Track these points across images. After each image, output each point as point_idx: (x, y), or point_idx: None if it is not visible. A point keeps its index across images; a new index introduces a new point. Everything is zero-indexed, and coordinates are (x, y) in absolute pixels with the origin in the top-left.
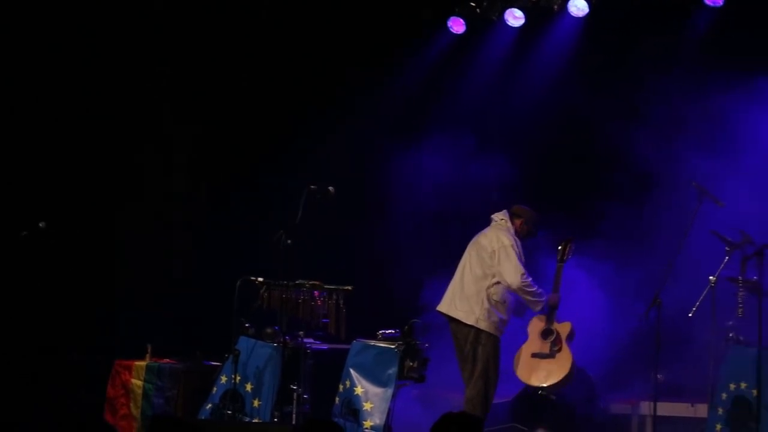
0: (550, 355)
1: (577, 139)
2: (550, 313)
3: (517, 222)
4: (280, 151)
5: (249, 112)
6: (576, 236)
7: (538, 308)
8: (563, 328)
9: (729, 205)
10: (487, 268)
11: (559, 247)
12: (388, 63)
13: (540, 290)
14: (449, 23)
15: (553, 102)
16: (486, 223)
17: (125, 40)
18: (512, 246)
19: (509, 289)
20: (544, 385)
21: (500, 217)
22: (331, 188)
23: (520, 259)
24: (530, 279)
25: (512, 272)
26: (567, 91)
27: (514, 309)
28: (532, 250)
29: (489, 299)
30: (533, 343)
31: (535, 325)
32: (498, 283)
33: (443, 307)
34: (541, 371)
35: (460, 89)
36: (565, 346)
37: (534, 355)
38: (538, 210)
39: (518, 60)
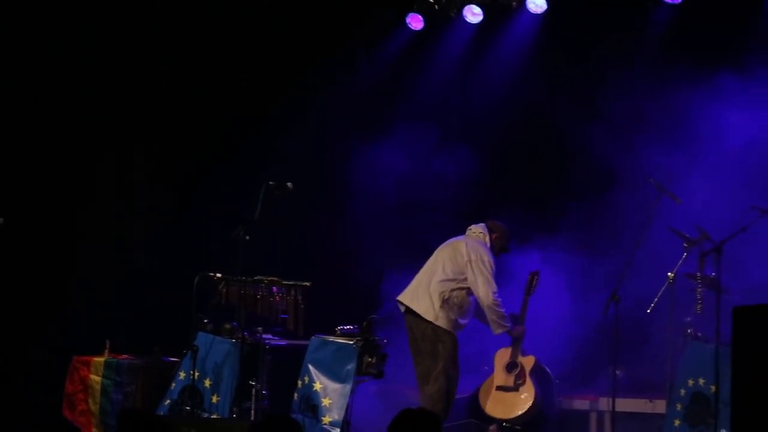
0: (514, 389)
1: (538, 136)
2: (515, 345)
3: (493, 237)
4: (240, 146)
5: (209, 108)
6: (542, 233)
7: (498, 332)
8: (527, 362)
9: (688, 202)
10: (459, 273)
11: (527, 280)
12: (347, 60)
13: (506, 315)
14: (407, 20)
15: (513, 98)
16: (448, 218)
17: (81, 36)
18: (490, 262)
19: (479, 302)
20: (509, 417)
21: (479, 231)
22: (289, 184)
23: (493, 276)
24: (500, 300)
25: (485, 288)
26: (527, 87)
27: (473, 315)
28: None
29: (449, 300)
30: (498, 375)
31: (501, 357)
32: (462, 289)
33: (405, 298)
34: (506, 404)
35: (419, 85)
36: (528, 379)
37: (498, 388)
38: (501, 206)
39: (477, 57)
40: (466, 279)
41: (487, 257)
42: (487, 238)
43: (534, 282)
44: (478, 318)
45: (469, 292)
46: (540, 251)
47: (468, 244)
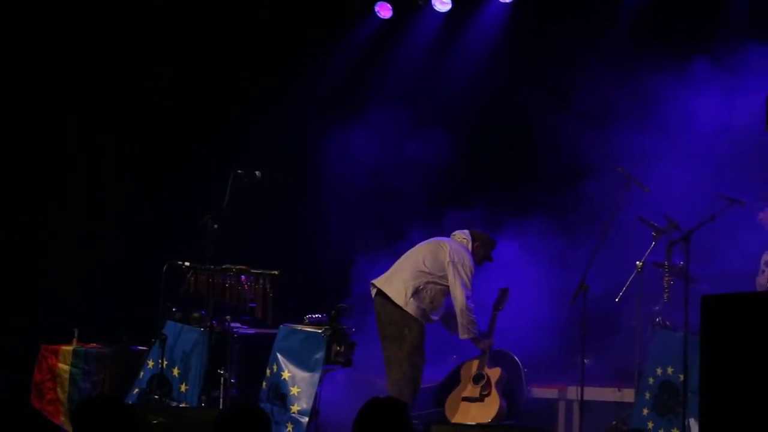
0: (480, 399)
1: (509, 123)
2: (482, 357)
3: (475, 245)
4: (210, 135)
5: (178, 97)
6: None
7: (464, 337)
8: (494, 374)
9: (657, 191)
10: (438, 270)
11: (497, 296)
12: (317, 49)
13: (476, 322)
14: (376, 8)
15: (483, 86)
16: (420, 204)
17: (46, 30)
18: (471, 268)
19: (453, 304)
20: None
21: (463, 236)
22: (258, 173)
23: (471, 282)
24: (473, 306)
25: (462, 291)
26: (498, 76)
27: (441, 316)
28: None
29: (422, 292)
30: (465, 387)
31: (467, 370)
32: (437, 285)
33: (378, 281)
34: (471, 414)
35: (389, 74)
36: (494, 390)
37: (465, 399)
38: (473, 193)
39: (447, 45)
40: (442, 277)
41: (468, 262)
42: (470, 245)
43: (504, 298)
44: (444, 323)
45: (443, 290)
46: (514, 238)
47: (452, 246)
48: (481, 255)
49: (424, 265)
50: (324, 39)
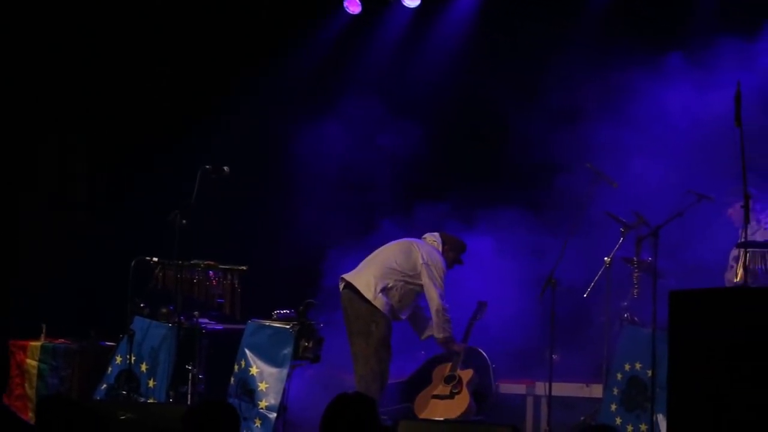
0: (450, 397)
1: (479, 118)
2: (455, 360)
3: (445, 248)
4: (179, 130)
5: (149, 92)
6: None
7: (439, 335)
8: (465, 375)
9: (626, 186)
10: (409, 269)
11: (475, 308)
12: (286, 44)
13: (451, 321)
14: (345, 3)
15: (452, 82)
16: (389, 197)
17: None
18: (443, 270)
19: (429, 305)
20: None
21: (433, 239)
22: (226, 168)
23: (443, 283)
24: (448, 306)
25: (436, 293)
26: (467, 71)
27: (408, 316)
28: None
29: (392, 289)
30: (436, 386)
31: (440, 372)
32: (408, 284)
33: (348, 275)
34: (439, 410)
35: (358, 68)
36: (465, 389)
37: (435, 396)
38: (443, 186)
39: (416, 41)
40: (413, 276)
41: (440, 264)
42: (440, 248)
43: (481, 310)
44: (411, 323)
45: (413, 291)
46: (485, 232)
47: (423, 248)
48: (451, 258)
49: (396, 263)
50: (294, 35)
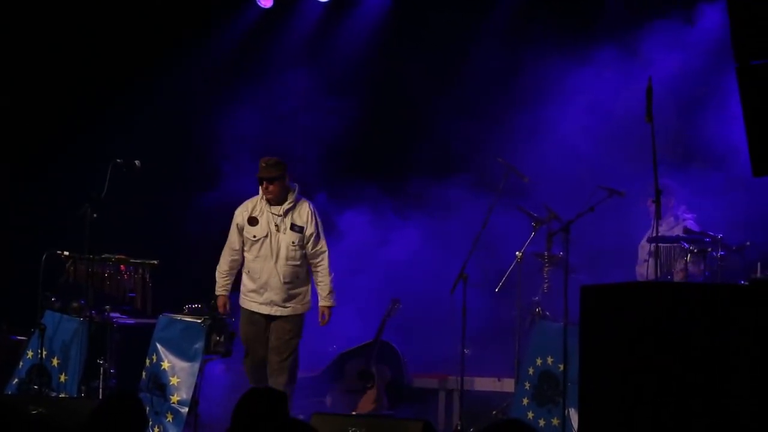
0: (362, 391)
1: (393, 110)
2: (368, 356)
3: None
4: (92, 122)
5: (60, 84)
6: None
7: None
8: (379, 371)
9: (537, 180)
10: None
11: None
12: (197, 37)
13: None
14: None
15: (366, 74)
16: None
17: None
18: None
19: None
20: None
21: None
22: (137, 162)
23: None
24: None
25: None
26: (380, 63)
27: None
28: None
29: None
30: (348, 381)
31: (354, 366)
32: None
33: None
34: (351, 404)
35: (268, 63)
36: (377, 384)
37: (347, 391)
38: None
39: (328, 34)
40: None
41: None
42: None
43: (394, 308)
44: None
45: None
46: (399, 225)
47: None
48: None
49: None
50: (204, 27)
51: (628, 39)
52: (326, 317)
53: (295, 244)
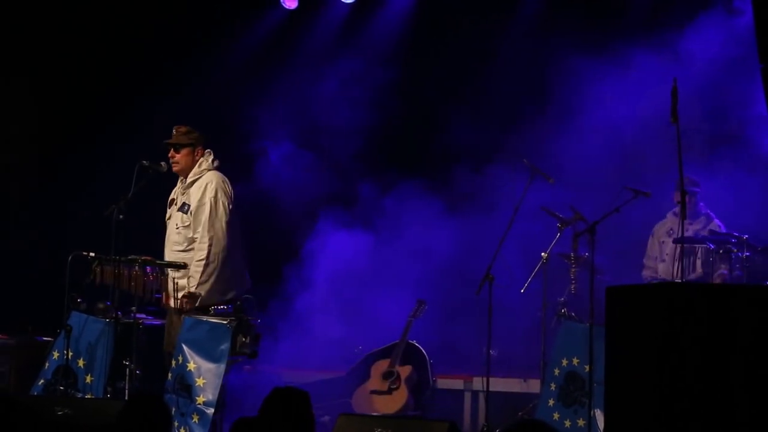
0: (388, 392)
1: (415, 111)
2: (394, 356)
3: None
4: (117, 124)
5: (83, 85)
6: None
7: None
8: (404, 371)
9: (562, 181)
10: None
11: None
12: (222, 38)
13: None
14: None
15: (385, 79)
16: None
17: None
18: None
19: None
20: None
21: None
22: (163, 163)
23: None
24: None
25: None
26: (400, 68)
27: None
28: None
29: None
30: (374, 382)
31: (378, 368)
32: None
33: None
34: (377, 406)
35: (293, 64)
36: (403, 385)
37: (372, 392)
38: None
39: (352, 35)
40: None
41: None
42: None
43: (420, 309)
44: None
45: None
46: (419, 224)
47: None
48: None
49: None
50: (228, 29)
51: (658, 37)
52: (186, 306)
53: (178, 227)
